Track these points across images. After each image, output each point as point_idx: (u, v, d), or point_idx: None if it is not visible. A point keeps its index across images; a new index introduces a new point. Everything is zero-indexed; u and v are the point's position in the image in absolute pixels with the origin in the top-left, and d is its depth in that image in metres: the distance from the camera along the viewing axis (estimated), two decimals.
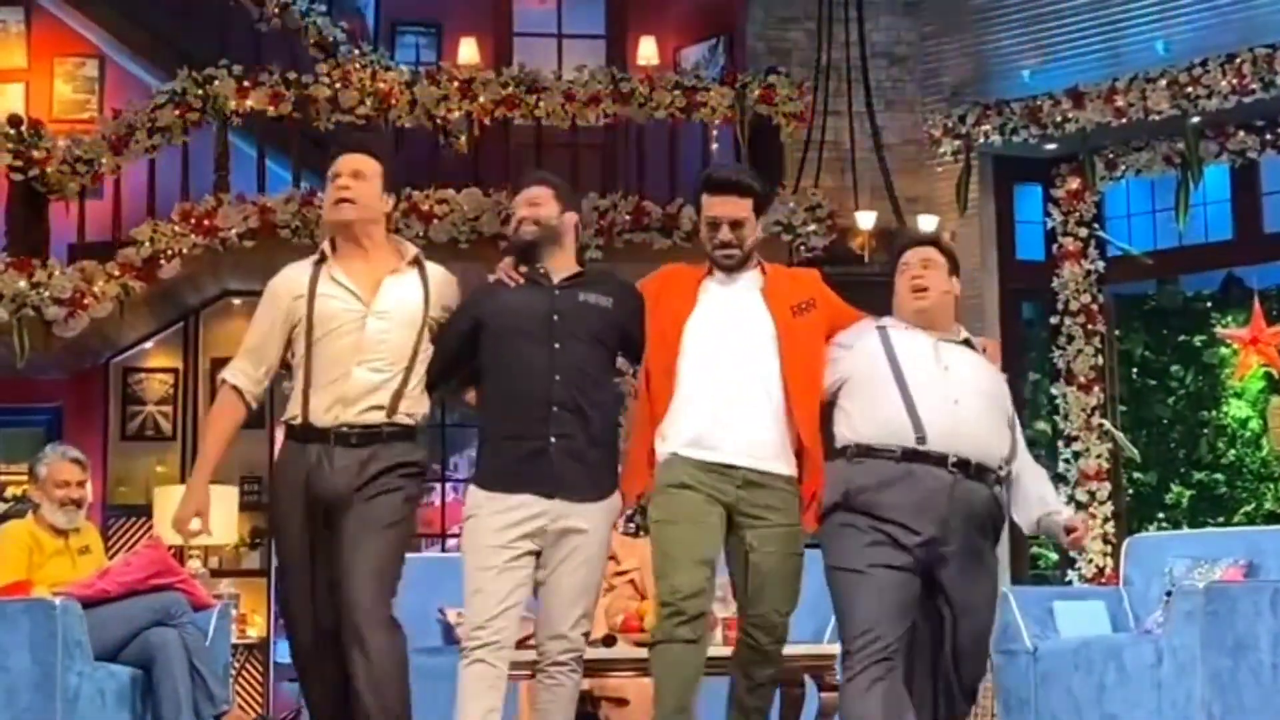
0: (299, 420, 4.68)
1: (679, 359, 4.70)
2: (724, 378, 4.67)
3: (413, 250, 4.89)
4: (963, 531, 4.58)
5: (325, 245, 4.82)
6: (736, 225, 4.74)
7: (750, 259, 4.82)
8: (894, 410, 4.62)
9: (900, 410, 4.61)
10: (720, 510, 4.61)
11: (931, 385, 4.64)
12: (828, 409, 4.79)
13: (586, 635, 4.76)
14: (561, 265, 4.83)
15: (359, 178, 4.77)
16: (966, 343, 4.85)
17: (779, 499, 4.64)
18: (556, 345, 4.68)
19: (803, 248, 9.83)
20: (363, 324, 4.69)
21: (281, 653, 10.52)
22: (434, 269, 4.90)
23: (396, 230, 9.23)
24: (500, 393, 4.74)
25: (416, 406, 4.72)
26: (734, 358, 4.68)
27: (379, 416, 4.66)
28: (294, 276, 4.79)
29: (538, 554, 4.66)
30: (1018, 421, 4.88)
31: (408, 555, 4.73)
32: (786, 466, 4.67)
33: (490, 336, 4.76)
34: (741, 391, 4.66)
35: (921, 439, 4.57)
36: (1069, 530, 4.79)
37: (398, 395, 4.67)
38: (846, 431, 4.71)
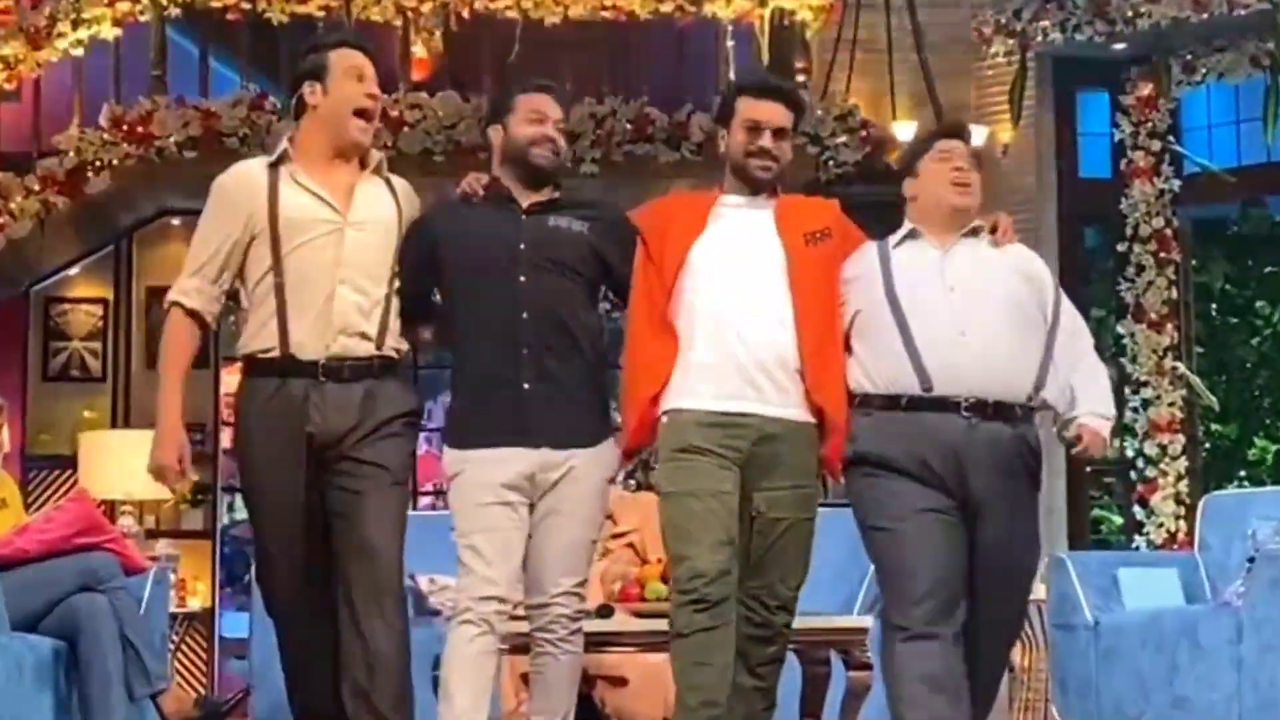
0: (276, 353, 4.64)
1: (682, 295, 4.72)
2: (733, 316, 4.69)
3: (377, 155, 4.86)
4: (986, 482, 4.56)
5: (284, 143, 4.76)
6: (780, 135, 4.79)
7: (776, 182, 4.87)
8: (894, 354, 4.63)
9: (901, 354, 4.62)
10: (735, 474, 4.65)
11: (935, 315, 4.62)
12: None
13: (582, 599, 4.78)
14: (545, 191, 4.87)
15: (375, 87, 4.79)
16: (974, 233, 4.82)
17: (794, 454, 4.68)
18: (522, 278, 4.69)
19: (831, 163, 9.79)
20: (341, 236, 4.66)
21: (229, 625, 10.56)
22: (397, 180, 4.89)
23: None
24: (465, 334, 4.78)
25: (398, 338, 4.71)
26: (742, 292, 4.71)
27: (369, 347, 4.65)
28: (249, 176, 4.73)
29: (531, 507, 4.70)
30: (1064, 307, 4.79)
31: None
32: (805, 413, 4.70)
33: (449, 268, 4.77)
34: (753, 331, 4.68)
35: (927, 385, 4.57)
36: (1072, 442, 4.70)
37: (384, 321, 4.67)
38: (853, 378, 4.74)
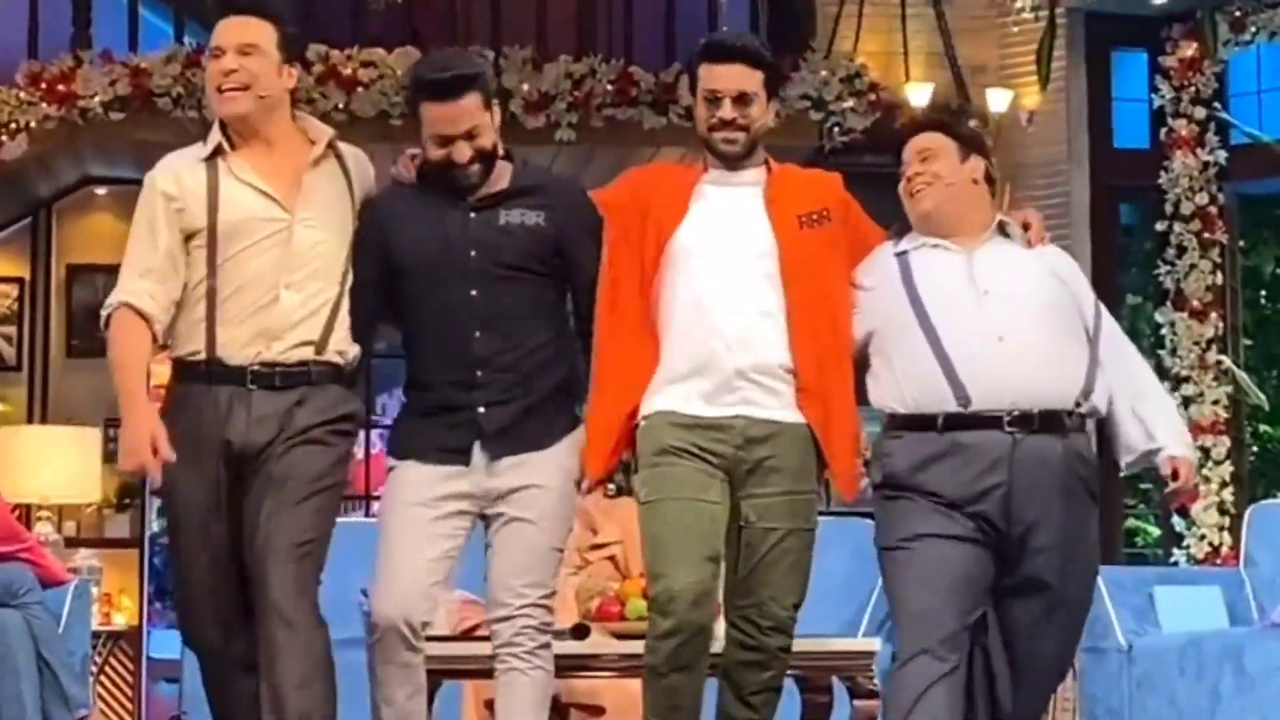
0: (201, 356, 4.64)
1: (661, 288, 4.70)
2: (715, 310, 4.67)
3: (326, 132, 4.83)
4: (1036, 504, 4.57)
5: (217, 133, 4.73)
6: (742, 101, 4.74)
7: (755, 151, 4.82)
8: (926, 368, 4.62)
9: (934, 367, 4.61)
10: (721, 481, 4.63)
11: (968, 322, 4.62)
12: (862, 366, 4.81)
13: (550, 611, 4.77)
14: (490, 181, 4.79)
15: (249, 53, 4.67)
16: (1002, 231, 4.83)
17: (786, 457, 4.66)
18: (474, 292, 4.68)
19: (836, 129, 9.79)
20: (288, 234, 4.65)
21: (157, 645, 10.55)
22: (348, 150, 4.86)
23: (309, 102, 9.23)
24: (413, 347, 4.81)
25: (347, 342, 4.71)
26: (724, 282, 4.69)
27: (307, 353, 4.65)
28: (184, 173, 4.69)
29: (481, 517, 4.73)
30: (1103, 314, 4.81)
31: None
32: (799, 414, 4.69)
33: (394, 273, 4.78)
34: (737, 327, 4.66)
35: (964, 400, 4.57)
36: (1169, 479, 4.74)
37: (329, 325, 4.66)
38: (879, 398, 4.73)
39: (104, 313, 4.71)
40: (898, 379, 4.68)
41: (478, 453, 4.68)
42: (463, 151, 4.67)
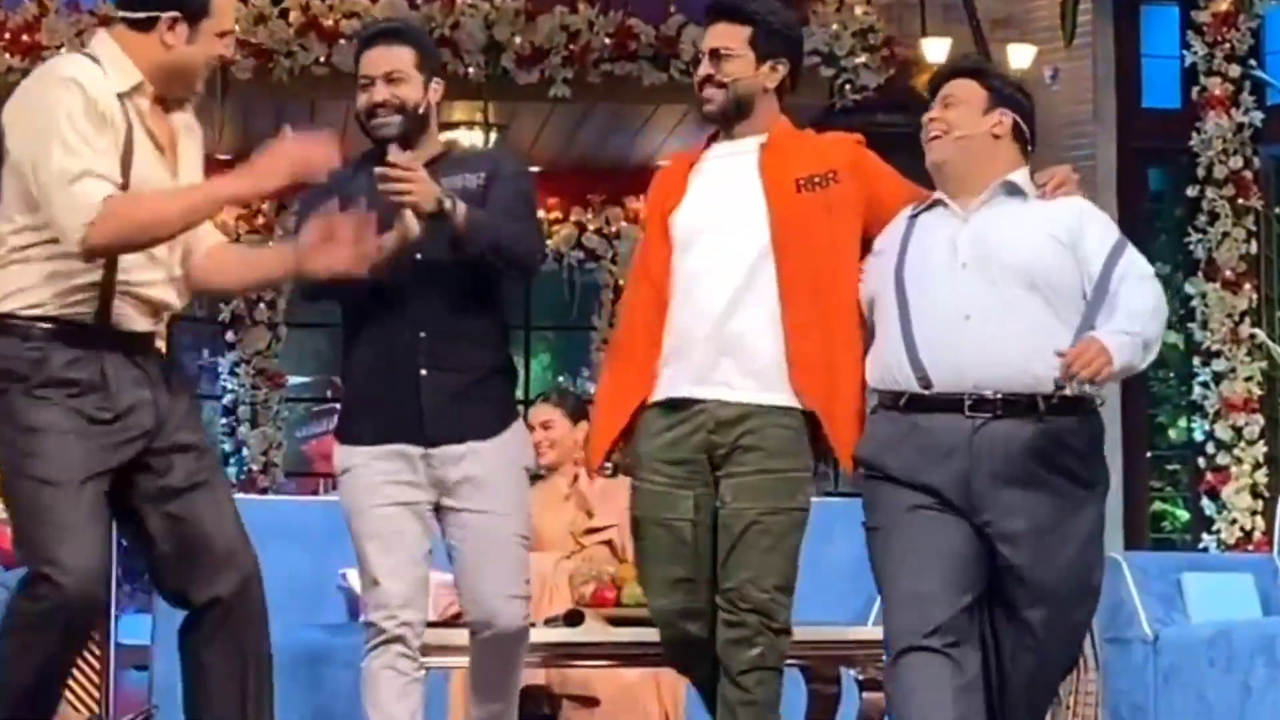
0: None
1: (669, 274, 4.76)
2: (700, 287, 4.72)
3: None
4: (997, 496, 4.45)
5: (129, 62, 4.38)
6: (718, 57, 4.80)
7: (752, 114, 4.83)
8: (894, 346, 4.60)
9: (899, 346, 4.58)
10: (692, 491, 4.72)
11: (938, 298, 4.55)
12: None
13: (526, 599, 4.92)
14: (421, 149, 4.88)
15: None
16: (1013, 190, 4.68)
17: (765, 435, 4.68)
18: (418, 256, 4.75)
19: (848, 86, 9.81)
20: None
21: (127, 630, 10.55)
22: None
23: (289, 55, 9.26)
24: (350, 321, 4.94)
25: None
26: (710, 257, 4.73)
27: None
28: (108, 98, 4.27)
29: (437, 508, 4.88)
30: (1118, 271, 4.54)
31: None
32: (784, 396, 4.71)
33: None
34: (717, 303, 4.70)
35: (925, 381, 4.54)
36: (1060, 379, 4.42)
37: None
38: (868, 371, 4.73)
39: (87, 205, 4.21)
40: (876, 354, 4.67)
41: (421, 445, 4.82)
42: (380, 90, 4.80)
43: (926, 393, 4.53)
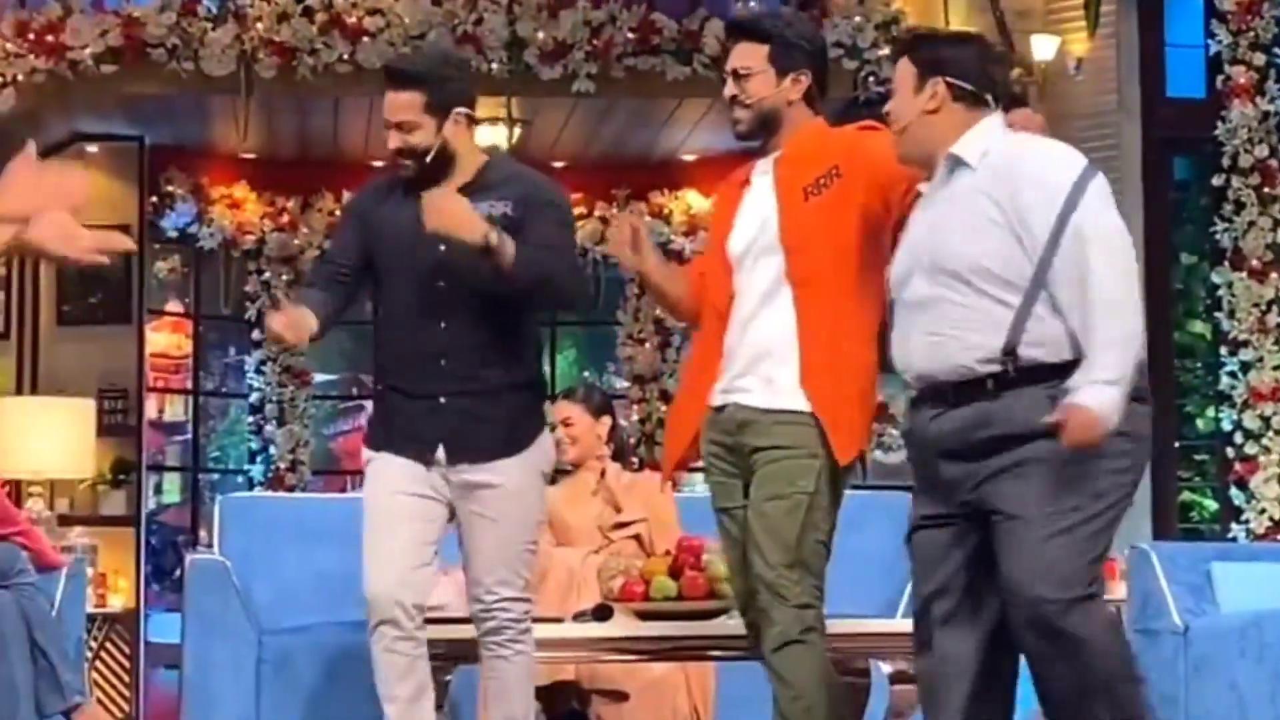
0: None
1: (731, 299, 4.89)
2: (725, 298, 4.87)
3: None
4: (969, 485, 4.33)
5: None
6: (740, 77, 4.89)
7: (775, 126, 4.89)
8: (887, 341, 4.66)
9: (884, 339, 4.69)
10: (744, 476, 4.84)
11: (897, 287, 4.55)
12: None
13: (526, 602, 5.13)
14: (451, 179, 5.07)
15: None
16: (956, 163, 4.43)
17: (771, 436, 4.78)
18: (442, 283, 5.00)
19: (872, 78, 9.78)
20: None
21: (157, 629, 10.60)
22: None
23: (312, 53, 9.28)
24: (382, 337, 5.22)
25: None
26: (743, 271, 4.86)
27: None
28: None
29: (450, 509, 5.10)
30: (1072, 223, 4.22)
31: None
32: (793, 400, 4.77)
33: (371, 264, 5.17)
34: (736, 314, 4.85)
35: (906, 376, 4.58)
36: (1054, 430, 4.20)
37: None
38: None
39: None
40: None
41: (442, 465, 5.06)
42: (394, 138, 5.02)
43: (914, 388, 4.54)
